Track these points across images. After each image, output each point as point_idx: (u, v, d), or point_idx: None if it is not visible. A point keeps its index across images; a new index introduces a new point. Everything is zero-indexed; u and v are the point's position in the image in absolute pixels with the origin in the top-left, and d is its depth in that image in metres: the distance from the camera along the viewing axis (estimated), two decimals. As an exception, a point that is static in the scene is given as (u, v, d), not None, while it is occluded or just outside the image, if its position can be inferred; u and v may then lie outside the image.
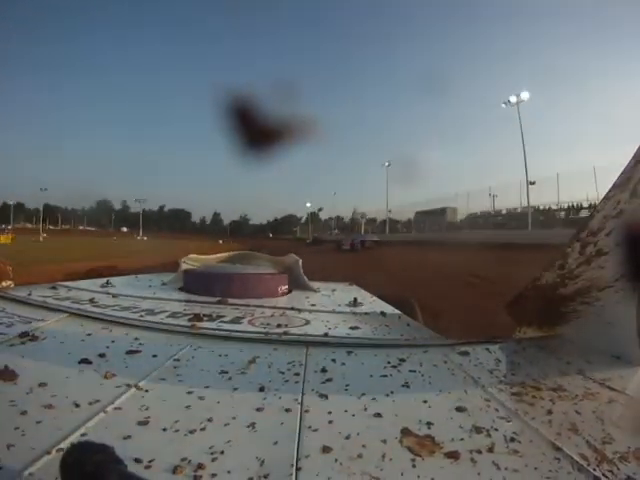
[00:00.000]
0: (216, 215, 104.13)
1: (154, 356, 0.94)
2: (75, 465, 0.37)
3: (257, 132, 0.66)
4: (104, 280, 2.17)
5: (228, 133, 0.67)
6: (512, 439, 0.62)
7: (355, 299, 1.90)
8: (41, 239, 34.79)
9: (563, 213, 22.44)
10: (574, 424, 0.67)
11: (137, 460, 0.53)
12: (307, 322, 1.45)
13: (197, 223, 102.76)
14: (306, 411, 0.70)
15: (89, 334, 1.11)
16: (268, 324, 1.37)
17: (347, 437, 0.61)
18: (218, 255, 2.77)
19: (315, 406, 0.72)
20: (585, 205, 19.56)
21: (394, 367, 0.94)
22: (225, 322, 1.37)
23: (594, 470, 0.54)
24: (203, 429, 0.62)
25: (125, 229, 77.73)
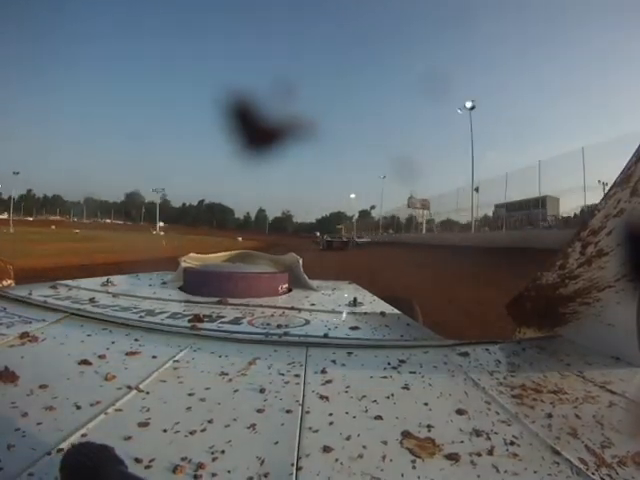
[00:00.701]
0: (261, 211, 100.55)
1: (154, 357, 0.95)
2: (75, 465, 0.37)
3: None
4: (104, 279, 2.18)
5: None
6: (512, 442, 0.62)
7: (355, 299, 1.90)
8: (12, 230, 32.57)
9: None
10: (573, 428, 0.67)
11: (137, 460, 0.53)
12: (307, 322, 1.45)
13: (240, 219, 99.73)
14: (307, 412, 0.70)
15: (89, 335, 1.11)
16: (268, 324, 1.37)
17: (348, 438, 0.62)
18: (218, 254, 2.77)
19: (316, 407, 0.73)
20: None
21: (394, 368, 0.94)
22: (225, 323, 1.37)
23: (593, 474, 0.54)
24: (204, 430, 0.63)
25: (162, 223, 76.05)
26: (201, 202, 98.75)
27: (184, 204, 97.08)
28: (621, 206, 0.95)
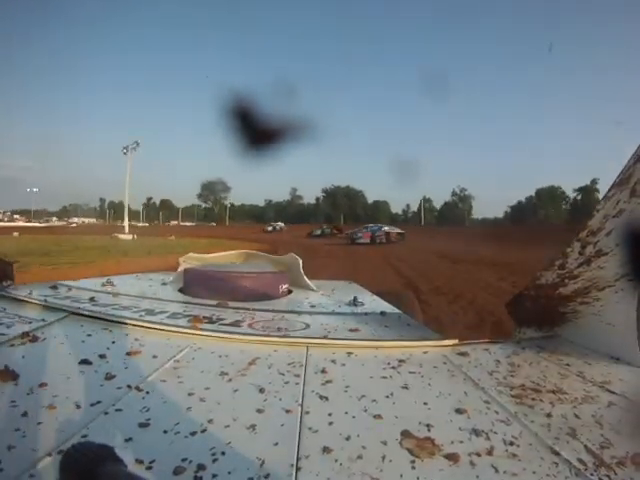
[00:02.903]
0: (425, 201, 66.80)
1: (154, 357, 0.95)
2: (74, 466, 0.37)
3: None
4: (105, 279, 2.18)
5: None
6: (511, 443, 0.62)
7: (355, 298, 1.90)
8: None
9: None
10: (573, 428, 0.67)
11: (138, 461, 0.53)
12: (307, 324, 1.45)
13: (399, 214, 69.13)
14: (306, 412, 0.71)
15: (89, 334, 1.11)
16: (268, 327, 1.37)
17: (347, 438, 0.62)
18: (218, 254, 2.77)
19: (315, 407, 0.73)
20: None
21: (394, 368, 0.94)
22: (225, 324, 1.37)
23: (591, 475, 0.54)
24: (204, 431, 0.63)
25: (281, 224, 49.10)
26: (329, 195, 68.81)
27: (318, 199, 70.14)
28: (620, 207, 0.95)
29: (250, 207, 74.43)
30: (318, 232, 29.82)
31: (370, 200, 69.14)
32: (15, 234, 25.51)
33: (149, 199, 75.09)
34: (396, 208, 70.41)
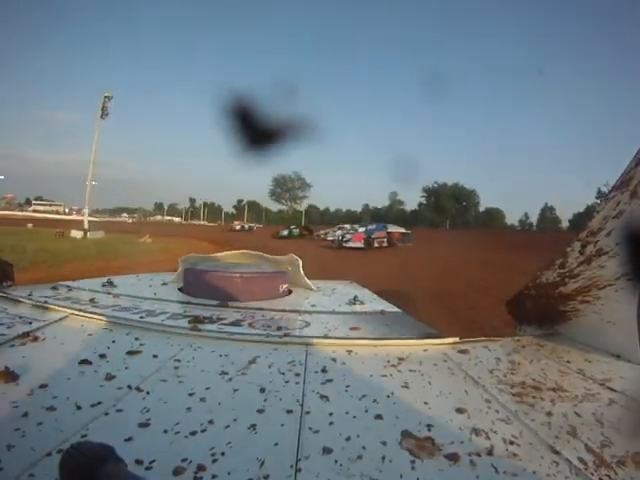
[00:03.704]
0: (547, 210, 51.64)
1: (154, 357, 0.95)
2: (75, 466, 0.37)
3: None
4: (105, 279, 2.17)
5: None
6: (511, 442, 0.62)
7: (355, 298, 1.90)
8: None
9: None
10: (573, 427, 0.67)
11: (138, 461, 0.53)
12: (307, 323, 1.45)
13: (515, 225, 53.63)
14: (307, 412, 0.71)
15: (90, 335, 1.11)
16: (269, 326, 1.37)
17: (347, 438, 0.62)
18: (218, 254, 2.76)
19: (316, 407, 0.73)
20: None
21: (394, 366, 0.94)
22: (225, 324, 1.37)
23: (592, 474, 0.54)
24: (204, 430, 0.63)
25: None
26: (432, 195, 53.01)
27: (420, 205, 56.11)
28: (620, 208, 0.96)
29: (347, 213, 64.18)
30: (285, 233, 25.60)
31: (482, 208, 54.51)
32: (29, 225, 21.52)
33: (239, 201, 70.10)
34: (511, 219, 56.43)
